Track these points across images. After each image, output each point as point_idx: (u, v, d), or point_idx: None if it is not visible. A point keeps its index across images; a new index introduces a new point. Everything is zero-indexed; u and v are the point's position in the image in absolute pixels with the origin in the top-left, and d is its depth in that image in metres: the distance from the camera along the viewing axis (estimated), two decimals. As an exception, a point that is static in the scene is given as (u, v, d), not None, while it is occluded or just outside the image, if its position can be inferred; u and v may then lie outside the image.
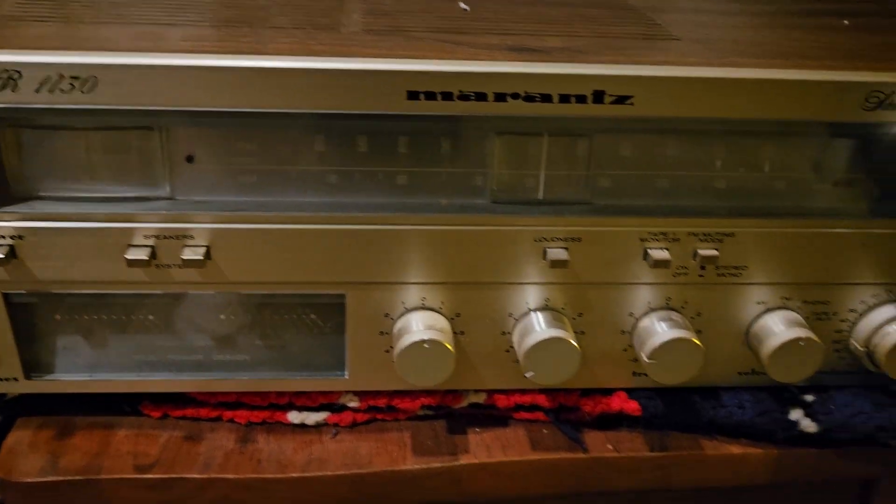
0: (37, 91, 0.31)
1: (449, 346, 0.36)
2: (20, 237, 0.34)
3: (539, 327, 0.37)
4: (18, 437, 0.38)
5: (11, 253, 0.34)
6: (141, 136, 0.34)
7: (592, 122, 0.34)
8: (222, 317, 0.38)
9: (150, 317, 0.38)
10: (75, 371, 0.38)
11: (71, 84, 0.31)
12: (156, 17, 0.37)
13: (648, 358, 0.37)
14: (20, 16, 0.37)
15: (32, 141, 0.34)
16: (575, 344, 0.36)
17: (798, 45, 0.38)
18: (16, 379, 0.38)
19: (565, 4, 0.44)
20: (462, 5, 0.43)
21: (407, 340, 0.36)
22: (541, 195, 0.36)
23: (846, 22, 0.44)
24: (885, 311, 0.39)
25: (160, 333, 0.38)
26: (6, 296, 0.35)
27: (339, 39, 0.35)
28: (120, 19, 0.37)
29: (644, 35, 0.39)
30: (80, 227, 0.34)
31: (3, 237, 0.34)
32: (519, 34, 0.37)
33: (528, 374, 0.37)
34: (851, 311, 0.39)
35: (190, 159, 0.35)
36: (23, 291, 0.35)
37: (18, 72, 0.31)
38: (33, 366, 0.38)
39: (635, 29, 0.40)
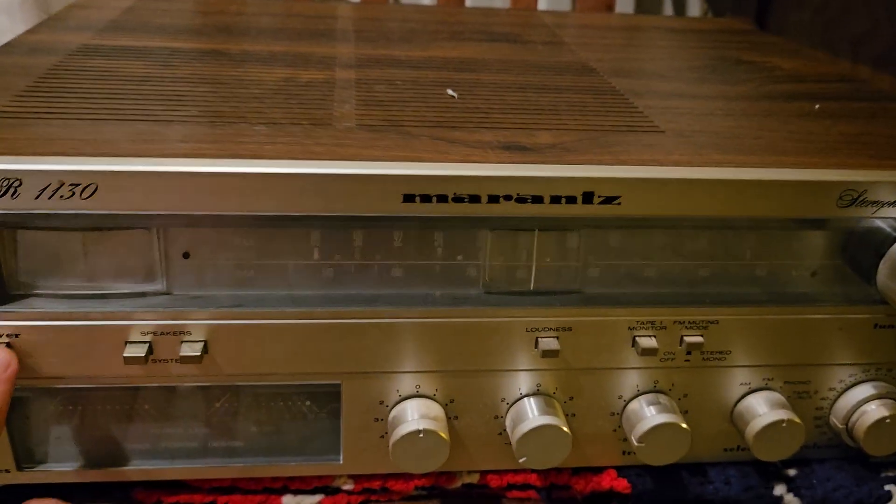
0: (37, 198, 0.31)
1: (443, 435, 0.36)
2: (16, 335, 0.34)
3: (531, 414, 0.38)
4: (9, 529, 0.38)
5: (7, 351, 0.34)
6: (138, 236, 0.34)
7: (582, 218, 0.35)
8: (217, 405, 0.38)
9: (145, 406, 0.38)
10: (68, 461, 0.38)
11: (71, 191, 0.31)
12: (154, 113, 0.38)
13: (638, 441, 0.38)
14: (16, 112, 0.37)
15: (29, 241, 0.34)
16: (566, 430, 0.37)
17: (773, 136, 0.40)
18: (7, 470, 0.37)
19: (552, 90, 0.46)
20: (450, 92, 0.44)
21: (402, 430, 0.36)
22: (532, 286, 0.37)
23: (818, 106, 0.46)
24: (862, 390, 0.40)
25: (154, 422, 0.38)
26: (0, 391, 0.35)
27: (336, 137, 0.36)
28: (118, 115, 0.37)
29: (629, 127, 0.40)
30: (77, 325, 0.34)
31: (0, 335, 0.34)
32: (510, 128, 0.39)
33: (521, 460, 0.37)
34: (831, 389, 0.41)
35: (186, 256, 0.35)
36: (17, 387, 0.35)
37: (19, 179, 0.31)
38: (25, 457, 0.38)
39: (619, 119, 0.41)
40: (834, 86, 0.52)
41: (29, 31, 0.52)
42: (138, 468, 0.38)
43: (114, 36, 0.52)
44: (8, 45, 0.48)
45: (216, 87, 0.42)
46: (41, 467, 0.38)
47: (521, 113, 0.41)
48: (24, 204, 0.31)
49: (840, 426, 0.41)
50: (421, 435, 0.36)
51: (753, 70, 0.54)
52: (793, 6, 0.79)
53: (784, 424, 0.38)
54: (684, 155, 0.36)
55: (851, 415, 0.40)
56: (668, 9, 0.96)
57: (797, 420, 0.38)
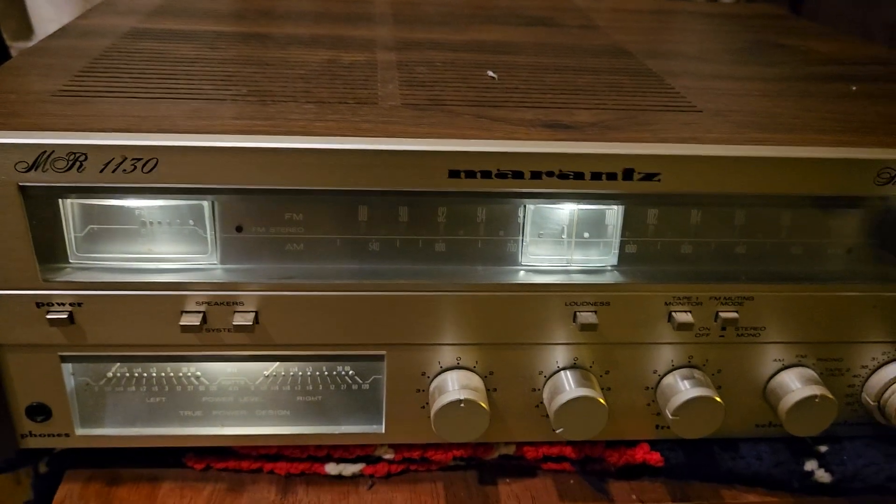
0: (101, 171, 0.33)
1: (484, 405, 0.38)
2: (79, 304, 0.36)
3: (568, 386, 0.39)
4: (69, 489, 0.40)
5: (70, 319, 0.36)
6: (192, 209, 0.36)
7: (621, 195, 0.36)
8: (266, 374, 0.40)
9: (198, 373, 0.39)
10: (124, 425, 0.40)
11: (133, 165, 0.33)
12: (205, 92, 0.39)
13: (672, 414, 0.39)
14: (76, 90, 0.38)
15: (89, 213, 0.35)
16: (603, 402, 0.38)
17: (811, 116, 0.41)
18: (67, 434, 0.39)
19: (589, 71, 0.47)
20: (490, 73, 0.45)
21: (444, 400, 0.37)
22: (571, 262, 0.38)
23: (854, 88, 0.46)
24: (895, 368, 0.41)
25: (206, 390, 0.40)
26: (63, 357, 0.37)
27: (382, 115, 0.37)
28: (173, 94, 0.38)
29: (666, 106, 0.41)
30: (136, 294, 0.36)
31: (63, 304, 0.36)
32: (550, 107, 0.40)
33: (557, 431, 0.38)
34: (863, 367, 0.41)
35: (239, 229, 0.36)
36: (80, 354, 0.37)
37: (85, 154, 0.33)
38: (84, 421, 0.39)
39: (657, 100, 0.42)
40: (871, 68, 0.52)
41: (80, 17, 0.53)
42: (189, 434, 0.40)
43: (161, 20, 0.53)
44: (62, 29, 0.50)
45: (263, 68, 0.44)
46: (98, 431, 0.40)
47: (559, 93, 0.42)
48: (88, 177, 0.33)
49: (872, 403, 0.41)
50: (462, 405, 0.37)
51: (790, 53, 0.54)
52: (827, -9, 0.78)
53: (817, 400, 0.39)
54: (723, 133, 0.37)
55: (883, 392, 0.41)
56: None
57: (830, 395, 0.39)
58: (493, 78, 0.44)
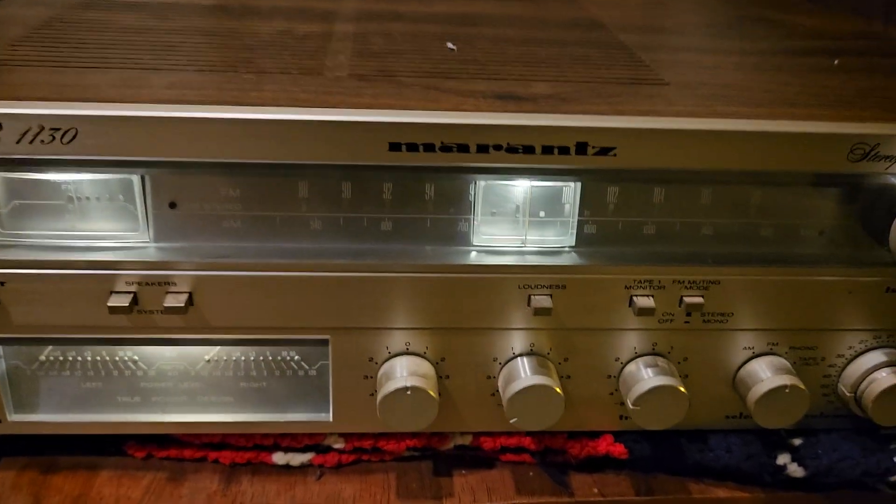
0: (17, 142, 0.31)
1: (432, 393, 0.36)
2: (2, 283, 0.34)
3: (523, 374, 0.37)
4: (2, 477, 0.38)
5: (-6, 299, 0.34)
6: (121, 183, 0.34)
7: (577, 171, 0.34)
8: (206, 358, 0.38)
9: (135, 357, 0.38)
10: (60, 412, 0.38)
11: (52, 135, 0.31)
12: (142, 61, 0.37)
13: (633, 404, 0.37)
14: (8, 59, 0.37)
15: (12, 187, 0.34)
16: (559, 391, 0.36)
17: (786, 89, 0.38)
18: (0, 420, 0.38)
19: (556, 43, 0.44)
20: (449, 45, 0.43)
21: (389, 387, 0.36)
22: (525, 242, 0.36)
23: (836, 62, 0.44)
24: (872, 357, 0.39)
25: (144, 375, 0.38)
26: (-10, 340, 0.36)
27: (324, 85, 0.35)
28: (106, 63, 0.37)
29: (632, 79, 0.38)
30: (63, 273, 0.34)
31: (-14, 283, 0.34)
32: (506, 79, 0.37)
33: (511, 420, 0.36)
34: (839, 356, 0.39)
35: (172, 205, 0.35)
36: (6, 336, 0.36)
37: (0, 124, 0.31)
38: (18, 407, 0.38)
39: (623, 72, 0.40)
40: (857, 42, 0.49)
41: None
42: (129, 421, 0.38)
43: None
44: (8, -2, 0.48)
45: (210, 38, 0.42)
46: (33, 417, 0.38)
47: (519, 65, 0.40)
48: (5, 149, 0.31)
49: (848, 395, 0.39)
50: (409, 392, 0.35)
51: (773, 27, 0.52)
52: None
53: (787, 390, 0.37)
54: (687, 106, 0.35)
55: (860, 383, 0.39)
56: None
57: (801, 386, 0.37)
58: (453, 49, 0.42)
